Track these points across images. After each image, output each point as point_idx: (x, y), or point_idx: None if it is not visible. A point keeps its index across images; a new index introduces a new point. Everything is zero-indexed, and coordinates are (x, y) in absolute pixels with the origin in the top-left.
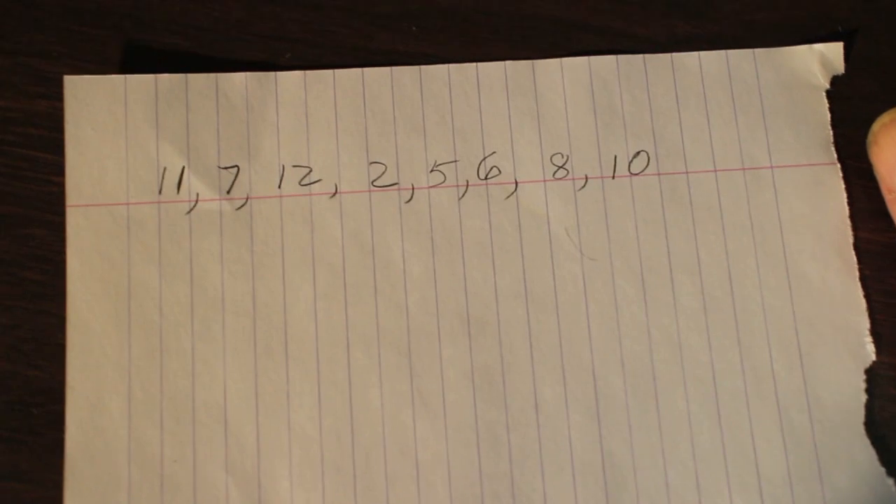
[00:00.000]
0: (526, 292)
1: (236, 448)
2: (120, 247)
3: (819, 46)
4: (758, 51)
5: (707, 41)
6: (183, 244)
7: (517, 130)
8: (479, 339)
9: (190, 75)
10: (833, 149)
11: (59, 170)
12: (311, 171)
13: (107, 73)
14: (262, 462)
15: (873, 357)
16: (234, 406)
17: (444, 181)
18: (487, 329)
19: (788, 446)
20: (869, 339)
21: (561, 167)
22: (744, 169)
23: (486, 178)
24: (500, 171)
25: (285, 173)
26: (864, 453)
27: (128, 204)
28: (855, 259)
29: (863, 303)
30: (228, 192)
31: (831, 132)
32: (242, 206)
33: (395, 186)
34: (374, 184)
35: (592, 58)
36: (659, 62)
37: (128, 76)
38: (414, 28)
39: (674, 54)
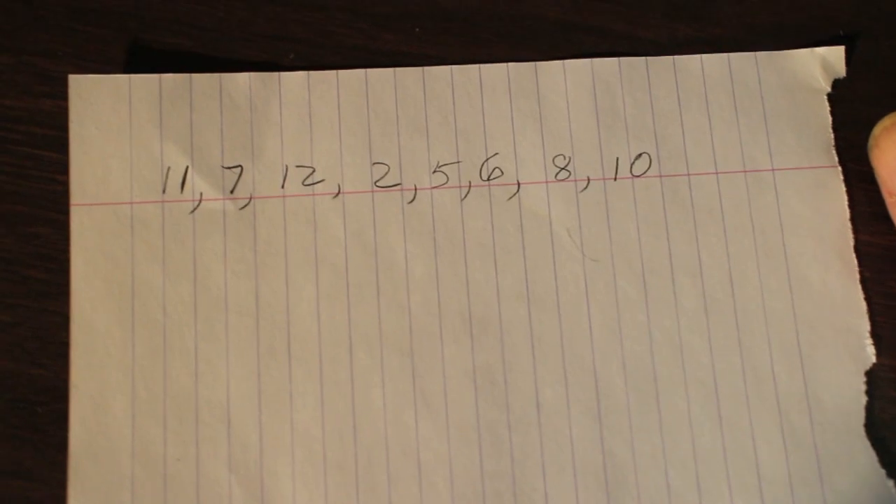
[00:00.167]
0: (528, 293)
1: (239, 447)
2: (123, 246)
3: (820, 50)
4: (759, 54)
5: (709, 44)
6: (186, 243)
7: (520, 132)
8: (481, 340)
9: (194, 75)
10: (834, 152)
11: (64, 168)
12: (314, 171)
13: (111, 72)
14: (265, 461)
15: (873, 359)
16: (237, 405)
17: (446, 182)
18: (489, 329)
19: (789, 448)
20: (869, 341)
21: (563, 168)
22: (745, 171)
23: (488, 180)
24: (502, 172)
25: (289, 173)
26: (865, 455)
27: (131, 203)
28: (855, 261)
29: (863, 305)
30: (232, 191)
31: (832, 135)
32: (246, 205)
33: (398, 187)
34: (377, 184)
35: (595, 60)
36: (661, 65)
37: (132, 76)
38: (417, 29)
39: (675, 57)
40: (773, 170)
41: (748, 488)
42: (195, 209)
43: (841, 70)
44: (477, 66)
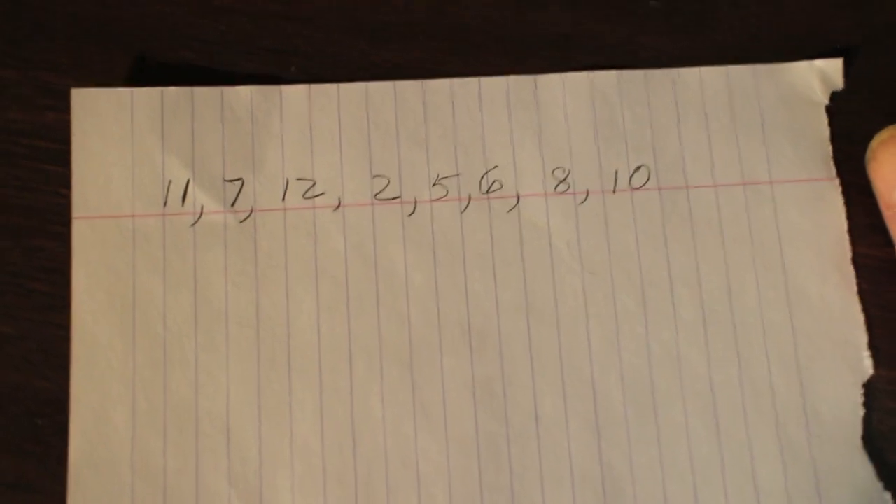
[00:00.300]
0: (527, 305)
1: (239, 459)
2: (125, 258)
3: (818, 63)
4: (758, 67)
5: (707, 57)
6: (187, 256)
7: (519, 145)
8: (480, 352)
9: (196, 88)
10: (832, 164)
11: (67, 181)
12: (314, 183)
13: (114, 86)
14: (264, 473)
15: (871, 371)
16: (236, 417)
17: (446, 195)
18: (488, 341)
19: (786, 460)
20: (867, 352)
21: (562, 181)
22: (744, 184)
23: (487, 192)
24: (501, 184)
25: (289, 186)
26: (862, 467)
27: (133, 216)
28: (853, 273)
29: (861, 317)
30: (233, 204)
31: (830, 147)
32: (246, 218)
33: (398, 200)
34: (377, 197)
35: (594, 73)
36: (659, 77)
37: (134, 89)
38: (417, 43)
39: (674, 70)
40: (771, 182)
41: (746, 500)
42: (196, 222)
43: (839, 83)
44: (476, 79)
